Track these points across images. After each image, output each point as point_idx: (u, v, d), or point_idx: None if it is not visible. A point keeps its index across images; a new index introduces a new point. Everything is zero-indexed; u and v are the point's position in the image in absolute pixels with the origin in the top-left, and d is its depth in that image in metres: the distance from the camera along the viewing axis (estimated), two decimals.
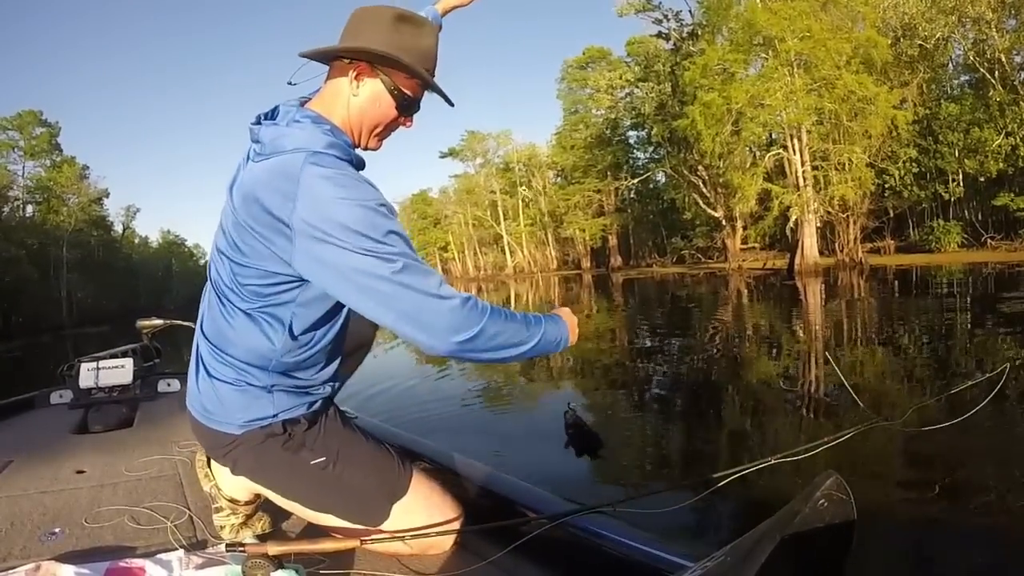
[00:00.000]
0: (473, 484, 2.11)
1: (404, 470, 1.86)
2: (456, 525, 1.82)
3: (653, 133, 48.99)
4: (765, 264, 38.39)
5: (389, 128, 1.76)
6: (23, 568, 1.70)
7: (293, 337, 1.67)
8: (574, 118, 65.32)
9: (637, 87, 54.29)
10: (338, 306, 1.74)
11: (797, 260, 32.41)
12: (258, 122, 1.65)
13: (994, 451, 3.79)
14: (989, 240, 34.51)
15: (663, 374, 7.41)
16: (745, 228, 41.55)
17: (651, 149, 58.07)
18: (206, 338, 1.76)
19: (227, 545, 1.59)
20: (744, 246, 43.04)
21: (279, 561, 1.50)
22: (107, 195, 63.91)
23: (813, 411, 5.29)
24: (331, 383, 1.84)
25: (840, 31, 31.53)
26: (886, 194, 36.79)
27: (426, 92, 1.75)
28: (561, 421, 4.98)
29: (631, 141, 62.35)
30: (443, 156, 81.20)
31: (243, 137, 1.70)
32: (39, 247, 52.43)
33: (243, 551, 1.50)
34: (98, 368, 4.02)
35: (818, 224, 33.78)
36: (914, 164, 35.98)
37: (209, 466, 1.97)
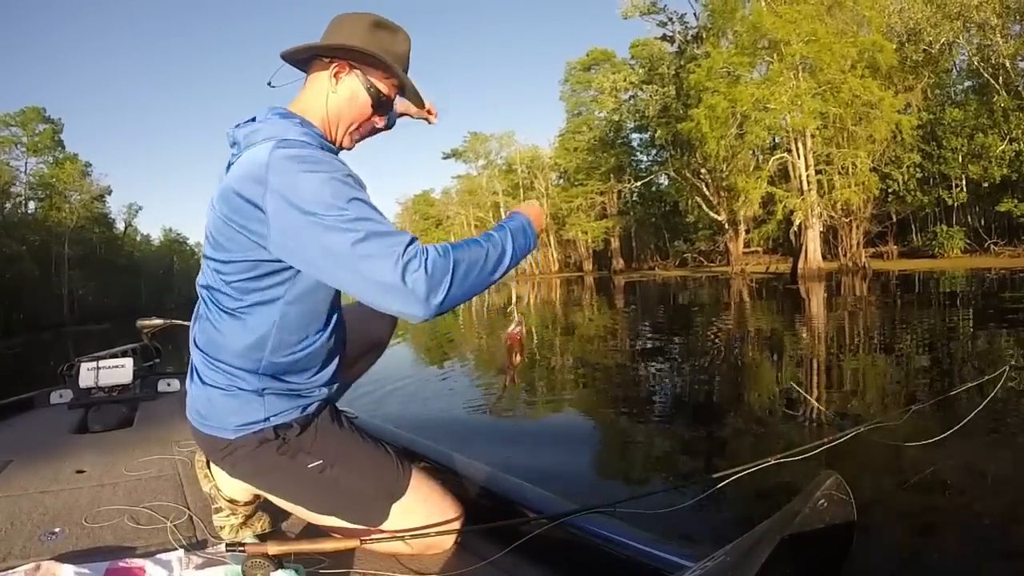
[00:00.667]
0: (473, 484, 2.11)
1: (403, 470, 1.86)
2: (456, 525, 1.82)
3: (657, 136, 48.97)
4: (768, 268, 38.36)
5: (364, 127, 1.84)
6: (23, 568, 1.69)
7: (282, 336, 1.68)
8: (577, 120, 65.37)
9: (641, 89, 54.32)
10: (328, 305, 1.76)
11: (800, 264, 32.34)
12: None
13: (994, 452, 3.79)
14: (992, 246, 34.51)
15: (664, 376, 7.42)
16: (748, 232, 41.53)
17: (654, 152, 58.21)
18: (197, 346, 1.78)
19: (227, 545, 1.58)
20: (747, 250, 43.02)
21: (279, 561, 1.50)
22: (109, 192, 63.91)
23: (813, 412, 5.28)
24: (328, 386, 1.84)
25: (845, 35, 31.53)
26: (889, 199, 36.73)
27: (400, 95, 1.85)
28: (561, 421, 4.99)
29: (634, 144, 62.47)
30: (446, 157, 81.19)
31: None
32: (41, 244, 52.37)
33: (243, 551, 1.50)
34: (98, 368, 4.02)
35: (821, 228, 33.74)
36: (918, 169, 35.94)
37: (208, 467, 1.97)
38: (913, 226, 41.29)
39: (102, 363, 4.04)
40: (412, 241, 1.46)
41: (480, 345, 12.23)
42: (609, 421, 5.58)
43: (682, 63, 43.13)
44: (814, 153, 33.32)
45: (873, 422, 1.96)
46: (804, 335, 10.38)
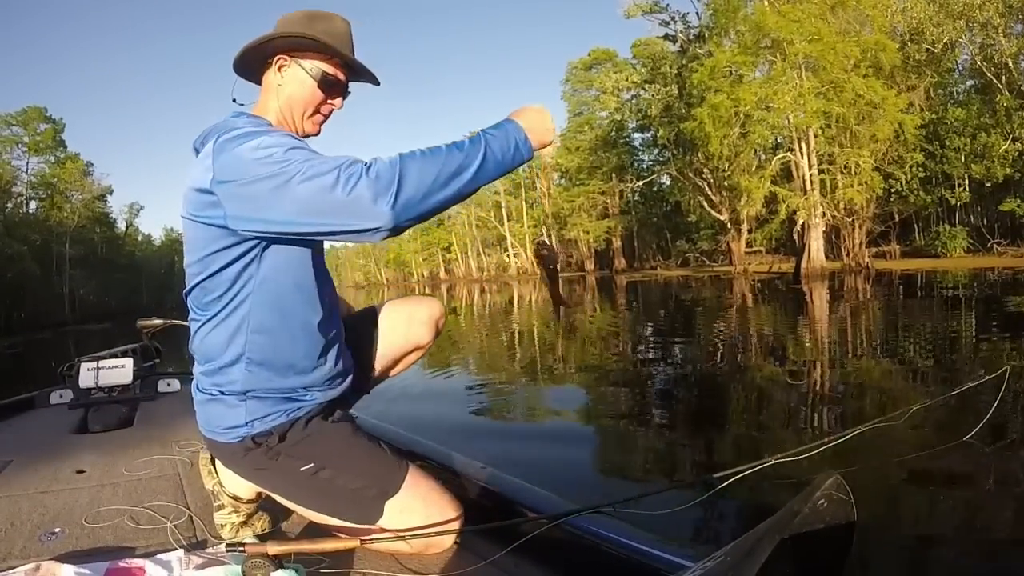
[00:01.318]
0: (473, 484, 2.11)
1: (398, 467, 1.86)
2: (456, 525, 1.82)
3: (659, 135, 48.94)
4: (771, 268, 38.30)
5: (320, 110, 1.89)
6: (23, 568, 1.69)
7: (255, 332, 1.71)
8: (579, 120, 65.36)
9: (643, 89, 54.30)
10: (303, 299, 1.77)
11: (804, 264, 32.28)
12: None
13: (995, 451, 3.78)
14: (995, 245, 34.45)
15: (665, 376, 7.41)
16: (750, 231, 41.48)
17: (656, 151, 58.17)
18: (192, 352, 1.84)
19: (227, 545, 1.59)
20: (749, 249, 42.97)
21: (279, 561, 1.50)
22: (110, 192, 64.14)
23: (814, 412, 5.28)
24: (322, 389, 1.85)
25: (848, 34, 31.51)
26: (892, 198, 36.71)
27: (352, 77, 1.90)
28: (562, 421, 4.99)
29: (636, 143, 62.48)
30: None
31: None
32: (42, 243, 52.53)
33: (243, 551, 1.50)
34: (98, 368, 4.02)
35: (824, 228, 33.72)
36: (920, 169, 35.88)
37: (213, 463, 1.99)
38: (916, 226, 41.28)
39: (102, 363, 4.04)
40: (356, 160, 1.46)
41: (480, 345, 12.23)
42: (609, 421, 5.57)
43: (684, 63, 43.11)
44: (817, 153, 33.29)
45: (873, 422, 1.96)
46: (807, 335, 10.36)
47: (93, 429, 3.62)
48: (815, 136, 32.89)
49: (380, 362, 2.23)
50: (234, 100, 1.87)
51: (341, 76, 1.87)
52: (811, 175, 33.18)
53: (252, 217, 1.52)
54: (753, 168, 35.01)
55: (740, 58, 33.60)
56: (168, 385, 4.46)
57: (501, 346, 11.62)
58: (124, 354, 4.20)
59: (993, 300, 14.05)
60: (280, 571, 1.49)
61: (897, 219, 39.37)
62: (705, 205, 43.74)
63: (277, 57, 1.81)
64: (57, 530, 2.05)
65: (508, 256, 79.48)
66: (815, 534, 1.08)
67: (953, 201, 36.81)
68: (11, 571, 1.69)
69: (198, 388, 1.82)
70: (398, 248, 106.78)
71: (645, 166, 61.35)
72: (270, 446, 1.75)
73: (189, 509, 2.21)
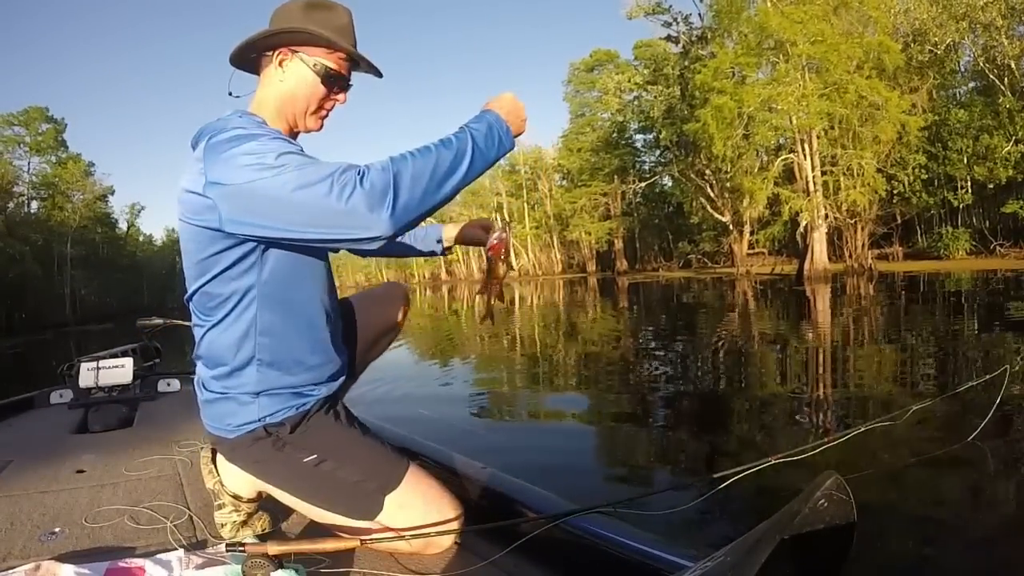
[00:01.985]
0: (473, 484, 2.11)
1: (398, 463, 1.86)
2: (456, 524, 1.82)
3: (661, 137, 48.88)
4: (773, 269, 38.25)
5: (323, 106, 1.83)
6: (23, 568, 1.69)
7: (264, 332, 1.71)
8: (581, 121, 65.43)
9: (645, 90, 54.26)
10: (309, 293, 1.78)
11: (807, 266, 32.19)
12: None
13: (995, 451, 3.78)
14: (998, 247, 34.45)
15: (666, 377, 7.40)
16: (752, 233, 41.44)
17: (658, 153, 58.12)
18: (199, 358, 1.83)
19: (227, 545, 1.58)
20: (751, 251, 42.94)
21: (279, 561, 1.50)
22: (112, 192, 64.21)
23: (814, 413, 5.27)
24: (327, 383, 1.86)
25: (851, 36, 31.47)
26: (894, 200, 36.69)
27: (354, 69, 1.85)
28: (562, 421, 5.00)
29: (638, 144, 62.48)
30: None
31: None
32: (43, 244, 52.58)
33: (243, 551, 1.50)
34: (98, 368, 4.02)
35: (826, 230, 33.67)
36: (923, 170, 35.87)
37: (214, 462, 1.99)
38: (918, 227, 41.27)
39: (102, 363, 4.04)
40: (346, 169, 1.44)
41: (481, 346, 12.22)
42: (610, 421, 5.56)
43: (687, 64, 43.08)
44: (820, 154, 33.26)
45: (873, 422, 1.96)
46: (810, 337, 10.35)
47: (93, 429, 3.62)
48: (818, 137, 32.84)
49: (363, 348, 2.25)
50: (230, 94, 1.82)
51: (344, 70, 1.81)
52: (814, 176, 33.11)
53: (248, 222, 1.51)
54: (756, 170, 34.95)
55: (743, 59, 33.51)
56: (168, 385, 4.46)
57: (501, 346, 11.61)
58: (124, 354, 4.20)
59: (995, 302, 14.03)
60: (280, 571, 1.49)
61: (899, 221, 39.37)
62: (707, 207, 43.69)
63: (277, 51, 1.75)
64: (57, 530, 2.05)
65: (510, 257, 79.43)
66: (815, 534, 1.08)
67: (956, 203, 36.78)
68: (11, 571, 1.68)
69: (205, 388, 1.81)
70: None
71: (647, 167, 61.36)
72: (279, 436, 1.76)
73: (189, 509, 2.20)
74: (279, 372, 1.74)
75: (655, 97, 50.66)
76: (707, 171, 41.45)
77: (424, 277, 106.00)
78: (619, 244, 65.23)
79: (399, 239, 2.02)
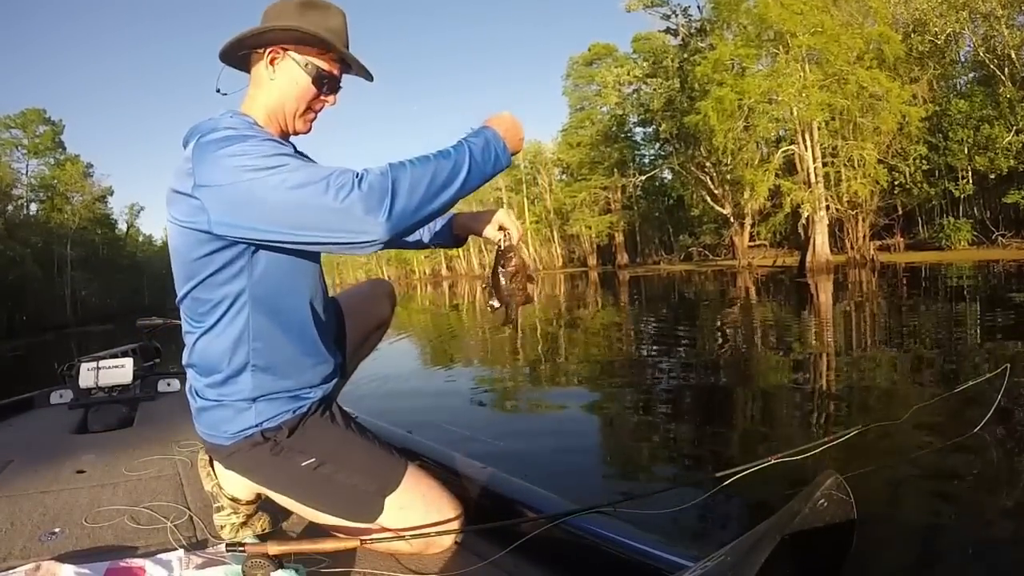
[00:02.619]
0: (473, 484, 2.10)
1: (397, 464, 1.85)
2: (456, 524, 1.81)
3: (662, 129, 48.76)
4: (775, 261, 38.24)
5: (313, 108, 1.81)
6: (23, 568, 1.69)
7: (257, 336, 1.69)
8: (580, 115, 65.27)
9: (645, 83, 54.13)
10: (301, 296, 1.77)
11: (808, 257, 32.20)
12: None
13: (996, 450, 3.77)
14: (1000, 238, 34.35)
15: (666, 374, 7.40)
16: (753, 225, 41.39)
17: (658, 146, 58.03)
18: (190, 366, 1.81)
19: (227, 545, 1.58)
20: (752, 243, 42.87)
21: (279, 561, 1.50)
22: (111, 193, 64.15)
23: (815, 411, 5.26)
24: (322, 386, 1.85)
25: (851, 26, 31.41)
26: (895, 191, 36.57)
27: (345, 71, 1.83)
28: (562, 421, 4.99)
29: (637, 138, 62.37)
30: None
31: None
32: (43, 245, 52.53)
33: (243, 551, 1.50)
34: (98, 368, 4.02)
35: (827, 221, 33.63)
36: (924, 161, 35.77)
37: (211, 465, 1.98)
38: (919, 218, 41.18)
39: (102, 363, 4.05)
40: (347, 170, 1.44)
41: (481, 341, 12.23)
42: (610, 420, 5.57)
43: (686, 56, 42.99)
44: (820, 145, 33.21)
45: (874, 421, 1.95)
46: (812, 331, 10.34)
47: (93, 429, 3.63)
48: (819, 129, 32.79)
49: (352, 347, 2.23)
50: (218, 90, 1.78)
51: (336, 71, 1.79)
52: (815, 168, 33.08)
53: (237, 224, 1.50)
54: (756, 162, 34.88)
55: (743, 51, 33.44)
56: (168, 385, 4.47)
57: (502, 342, 11.62)
58: (124, 354, 4.21)
59: (997, 293, 14.02)
60: (280, 571, 1.49)
61: (900, 212, 39.26)
62: (708, 199, 43.58)
63: (269, 49, 1.72)
64: (57, 530, 2.05)
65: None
66: (815, 534, 1.08)
67: (957, 193, 36.69)
68: (11, 571, 1.69)
69: (198, 395, 1.79)
70: None
71: (647, 161, 61.27)
72: (277, 441, 1.74)
73: (189, 509, 2.21)
74: (275, 377, 1.73)
75: (655, 90, 50.54)
76: (707, 164, 41.35)
77: (425, 274, 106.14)
78: (619, 238, 65.14)
79: None
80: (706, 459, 4.34)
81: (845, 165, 32.87)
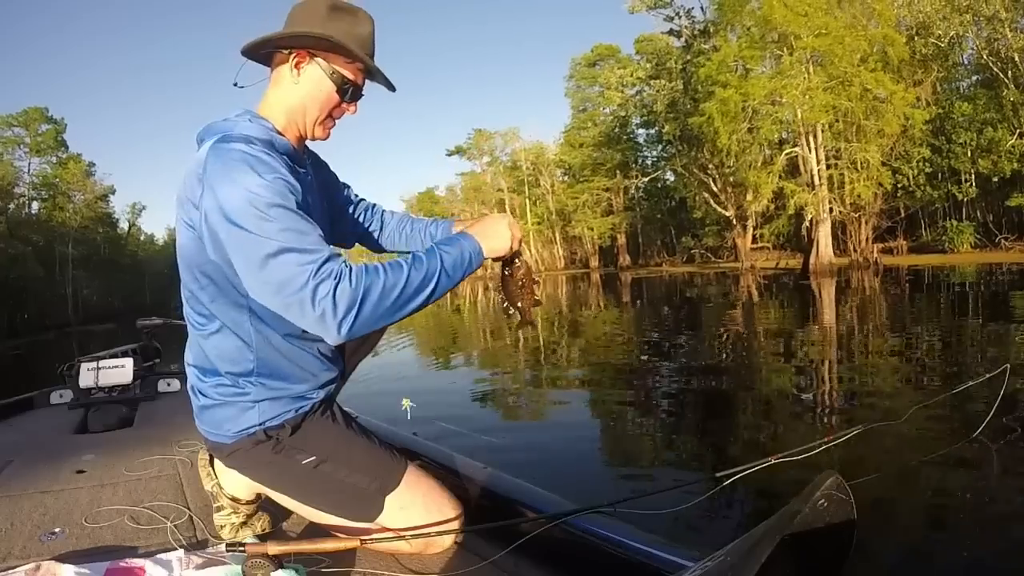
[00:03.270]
0: (473, 484, 2.11)
1: (398, 464, 1.85)
2: (456, 524, 1.81)
3: (665, 131, 48.74)
4: (778, 264, 38.22)
5: (333, 115, 1.79)
6: (23, 568, 1.69)
7: (262, 337, 1.69)
8: (583, 116, 65.28)
9: (648, 85, 54.08)
10: None
11: (812, 260, 32.23)
12: None
13: (996, 450, 3.77)
14: (1003, 240, 34.33)
15: (667, 375, 7.39)
16: (756, 227, 41.37)
17: (660, 147, 58.01)
18: (192, 365, 1.80)
19: (227, 545, 1.59)
20: (755, 245, 42.86)
21: (279, 561, 1.50)
22: (113, 192, 63.97)
23: (815, 412, 5.26)
24: (325, 387, 1.85)
25: (855, 28, 31.39)
26: (898, 194, 36.56)
27: (368, 80, 1.80)
28: (563, 421, 4.99)
29: (640, 139, 62.36)
30: (450, 154, 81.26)
31: None
32: (44, 244, 52.45)
33: (243, 551, 1.50)
34: (98, 368, 4.03)
35: (831, 224, 33.61)
36: (927, 164, 35.77)
37: (212, 464, 1.98)
38: (922, 221, 41.15)
39: (102, 363, 4.05)
40: (327, 260, 1.46)
41: (483, 341, 12.23)
42: (610, 421, 5.56)
43: (689, 58, 43.00)
44: (824, 148, 33.19)
45: (874, 421, 1.95)
46: (816, 333, 10.32)
47: (93, 429, 3.63)
48: (822, 131, 32.78)
49: (352, 347, 2.21)
50: (236, 84, 1.75)
51: (360, 81, 1.77)
52: (819, 170, 33.07)
53: (220, 258, 1.55)
54: (759, 164, 34.86)
55: (747, 52, 33.46)
56: (168, 385, 4.47)
57: (503, 342, 11.61)
58: (124, 354, 4.21)
59: (1000, 296, 14.00)
60: (280, 571, 1.49)
61: (903, 214, 39.23)
62: (711, 201, 43.56)
63: (295, 52, 1.69)
64: (57, 530, 2.05)
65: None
66: (815, 534, 1.08)
67: (960, 196, 36.67)
68: (11, 571, 1.69)
69: (201, 394, 1.78)
70: None
71: (650, 162, 61.30)
72: (279, 439, 1.75)
73: (189, 509, 2.21)
74: (278, 377, 1.73)
75: (658, 91, 50.53)
76: (710, 165, 41.34)
77: None
78: (622, 239, 65.14)
79: (405, 241, 2.14)
80: (706, 459, 4.34)
81: (848, 167, 32.85)
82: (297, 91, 1.71)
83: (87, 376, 4.00)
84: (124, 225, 71.60)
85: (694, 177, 44.42)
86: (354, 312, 1.45)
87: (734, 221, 42.36)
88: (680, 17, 45.84)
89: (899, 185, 35.37)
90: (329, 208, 2.00)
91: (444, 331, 14.54)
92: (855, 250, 34.53)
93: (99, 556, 1.83)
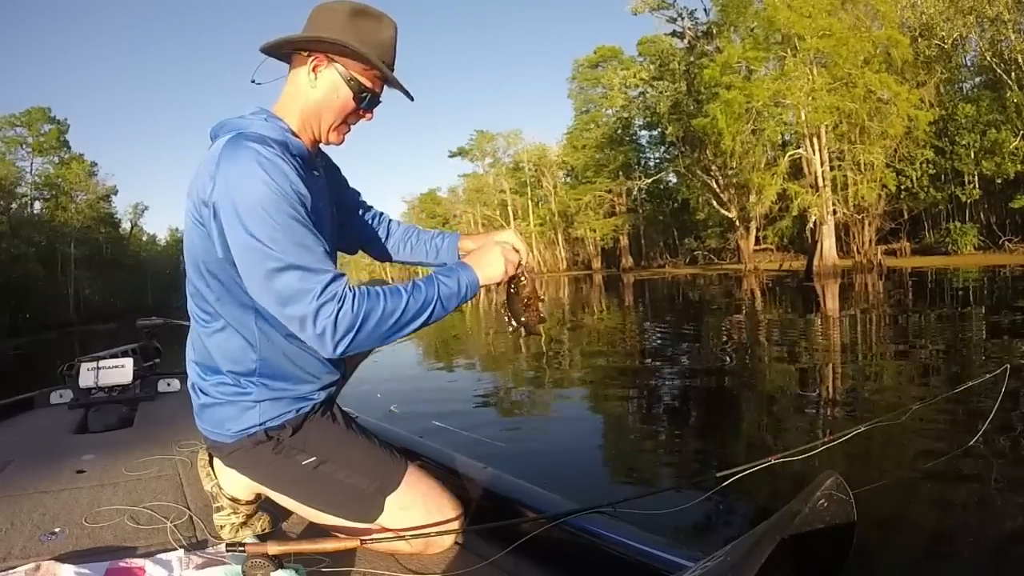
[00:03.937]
0: (473, 484, 2.10)
1: (397, 465, 1.85)
2: (456, 524, 1.81)
3: (668, 132, 48.75)
4: (781, 265, 38.21)
5: (349, 121, 1.77)
6: (23, 568, 1.69)
7: (267, 339, 1.69)
8: (585, 117, 65.28)
9: (651, 86, 54.08)
10: None
11: (816, 261, 32.21)
12: None
13: (996, 450, 3.77)
14: (1006, 242, 34.30)
15: (668, 376, 7.40)
16: (759, 229, 41.36)
17: (663, 149, 58.02)
18: (194, 363, 1.81)
19: (227, 545, 1.58)
20: (758, 247, 42.86)
21: (279, 561, 1.50)
22: (115, 192, 64.11)
23: (816, 412, 5.26)
24: (327, 388, 1.84)
25: (859, 29, 31.39)
26: (902, 195, 36.55)
27: (386, 86, 1.78)
28: (563, 421, 4.98)
29: (643, 141, 62.39)
30: (452, 155, 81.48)
31: None
32: (47, 244, 52.49)
33: (243, 551, 1.50)
34: (98, 368, 4.02)
35: (834, 225, 33.60)
36: (930, 165, 35.76)
37: (211, 464, 1.98)
38: (926, 223, 41.12)
39: (102, 363, 4.05)
40: (331, 281, 1.49)
41: (484, 342, 12.23)
42: (611, 421, 5.57)
43: (692, 59, 43.01)
44: (828, 149, 33.18)
45: (874, 421, 1.94)
46: (820, 335, 10.32)
47: (93, 429, 3.62)
48: (826, 132, 32.77)
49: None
50: (253, 81, 1.71)
51: (378, 88, 1.75)
52: (823, 172, 33.06)
53: (226, 256, 1.56)
54: (762, 165, 34.85)
55: (751, 53, 33.46)
56: (168, 385, 4.47)
57: (505, 343, 11.61)
58: (124, 354, 4.21)
59: (1003, 298, 13.98)
60: (280, 571, 1.49)
61: (907, 216, 39.23)
62: (714, 202, 43.58)
63: (313, 56, 1.66)
64: (57, 530, 2.05)
65: None
66: (815, 534, 1.07)
67: (963, 198, 36.64)
68: (11, 571, 1.69)
69: (202, 392, 1.78)
70: None
71: (652, 164, 61.31)
72: (280, 440, 1.74)
73: (189, 509, 2.20)
74: (281, 378, 1.73)
75: (661, 93, 50.55)
76: (713, 167, 41.39)
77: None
78: (624, 241, 65.16)
79: (411, 252, 2.18)
80: (706, 459, 4.34)
81: (852, 169, 32.84)
82: (313, 94, 1.69)
83: (87, 376, 3.99)
84: (126, 225, 71.79)
85: (697, 178, 44.46)
86: (352, 335, 1.50)
87: (737, 223, 42.37)
88: (683, 18, 45.97)
89: (902, 187, 35.37)
90: (338, 213, 1.99)
91: (445, 331, 14.52)
92: (858, 252, 34.50)
93: (99, 556, 1.83)
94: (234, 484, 1.91)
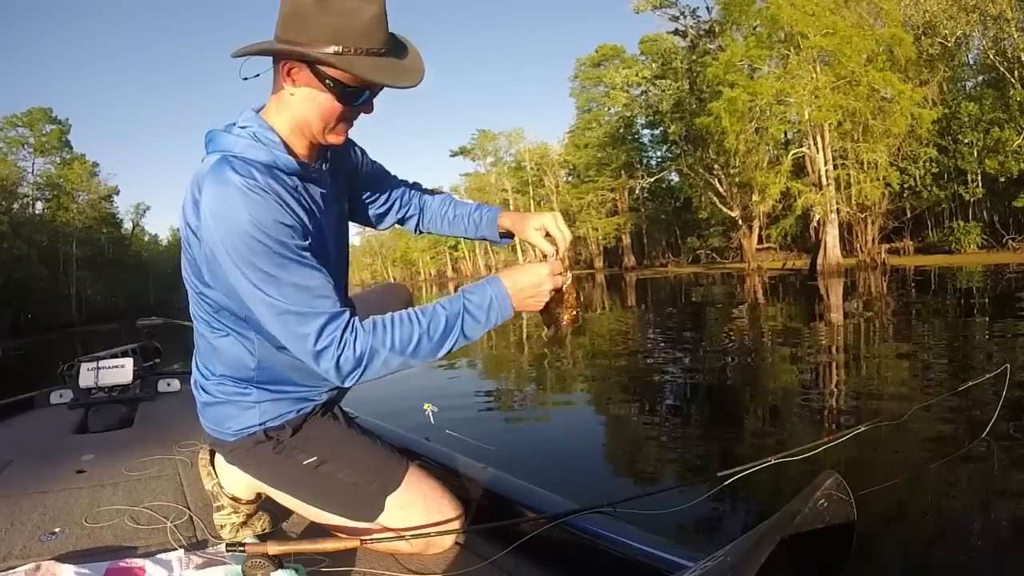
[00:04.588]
0: (473, 484, 2.10)
1: (398, 464, 1.84)
2: (456, 524, 1.81)
3: (670, 131, 48.72)
4: (784, 264, 38.17)
5: (342, 120, 1.56)
6: (23, 568, 1.70)
7: (267, 346, 1.67)
8: (587, 116, 65.24)
9: (653, 85, 54.03)
10: None
11: (820, 260, 32.19)
12: None
13: (996, 450, 3.76)
14: (1010, 241, 34.24)
15: (669, 376, 7.38)
16: (762, 228, 41.33)
17: (665, 148, 58.00)
18: (198, 361, 1.81)
19: (227, 545, 1.57)
20: (760, 246, 42.82)
21: (279, 561, 1.49)
22: (117, 192, 64.13)
23: (816, 412, 5.25)
24: (328, 392, 1.83)
25: (862, 28, 31.37)
26: (905, 194, 36.52)
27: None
28: (563, 421, 4.98)
29: (645, 140, 62.37)
30: (453, 155, 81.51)
31: None
32: (48, 244, 52.63)
33: (243, 551, 1.49)
34: (98, 368, 4.03)
35: (838, 224, 33.58)
36: (933, 164, 35.73)
37: (212, 464, 1.98)
38: (929, 222, 41.07)
39: (102, 363, 4.05)
40: (328, 322, 1.45)
41: (485, 342, 12.23)
42: (611, 421, 5.57)
43: (695, 58, 43.00)
44: (831, 148, 33.16)
45: (874, 421, 1.94)
46: (822, 334, 10.30)
47: (93, 429, 3.63)
48: (830, 131, 32.74)
49: None
50: (243, 78, 1.53)
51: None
52: (826, 171, 33.04)
53: (227, 288, 1.53)
54: (765, 163, 34.83)
55: (755, 52, 33.44)
56: (168, 385, 4.47)
57: (507, 342, 11.61)
58: (124, 354, 4.21)
59: (1007, 297, 13.96)
60: (280, 571, 1.49)
61: (910, 215, 39.19)
62: (716, 201, 43.51)
63: (283, 63, 1.47)
64: (57, 530, 2.05)
65: (516, 253, 79.57)
66: (815, 534, 1.07)
67: (967, 197, 36.62)
68: (11, 571, 1.69)
69: (204, 391, 1.78)
70: (405, 246, 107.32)
71: (655, 163, 61.27)
72: (280, 439, 1.74)
73: (189, 509, 2.20)
74: (282, 379, 1.72)
75: (663, 91, 50.53)
76: (716, 166, 41.32)
77: (430, 275, 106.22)
78: (626, 240, 65.13)
79: (448, 226, 2.06)
80: (706, 459, 4.34)
81: (855, 167, 32.81)
82: (296, 100, 1.51)
83: (87, 376, 3.99)
84: (128, 225, 71.94)
85: (699, 177, 44.38)
86: (358, 373, 1.48)
87: (740, 222, 42.32)
88: (685, 17, 45.97)
89: (906, 185, 35.34)
90: (361, 193, 1.97)
91: None
92: (862, 251, 34.47)
93: (99, 556, 1.83)
94: (235, 483, 1.92)
